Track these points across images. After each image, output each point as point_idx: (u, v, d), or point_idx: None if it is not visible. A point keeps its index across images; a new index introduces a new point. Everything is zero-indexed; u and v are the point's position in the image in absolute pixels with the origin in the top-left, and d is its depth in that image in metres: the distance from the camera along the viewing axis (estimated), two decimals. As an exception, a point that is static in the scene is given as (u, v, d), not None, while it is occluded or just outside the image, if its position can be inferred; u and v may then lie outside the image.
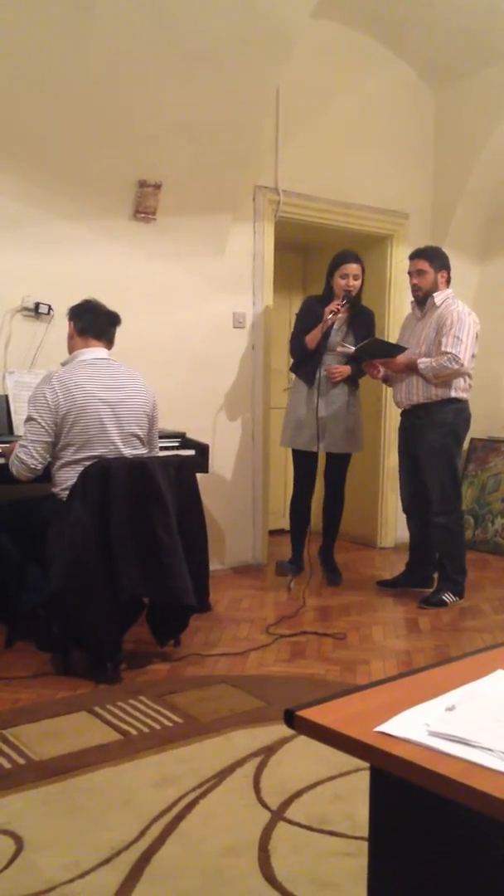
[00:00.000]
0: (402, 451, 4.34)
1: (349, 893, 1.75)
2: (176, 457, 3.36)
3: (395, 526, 5.55)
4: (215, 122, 4.11)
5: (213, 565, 4.29)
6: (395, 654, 3.42)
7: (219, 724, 2.64)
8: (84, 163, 3.97)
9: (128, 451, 3.15)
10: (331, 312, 4.25)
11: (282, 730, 2.49)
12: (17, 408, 3.64)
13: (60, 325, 3.61)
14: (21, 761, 2.35)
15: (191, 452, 3.76)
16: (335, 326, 4.37)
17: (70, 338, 3.32)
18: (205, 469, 3.86)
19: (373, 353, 4.24)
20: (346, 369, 4.36)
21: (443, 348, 3.98)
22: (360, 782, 2.14)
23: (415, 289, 4.18)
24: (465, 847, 1.00)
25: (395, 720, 1.05)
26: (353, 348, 4.23)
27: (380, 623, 3.86)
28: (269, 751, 2.44)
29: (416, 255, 4.18)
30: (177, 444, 3.91)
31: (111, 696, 2.86)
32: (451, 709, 1.09)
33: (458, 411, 4.10)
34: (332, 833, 2.00)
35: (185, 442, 3.96)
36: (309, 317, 4.41)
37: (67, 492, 3.04)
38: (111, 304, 3.36)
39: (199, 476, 3.36)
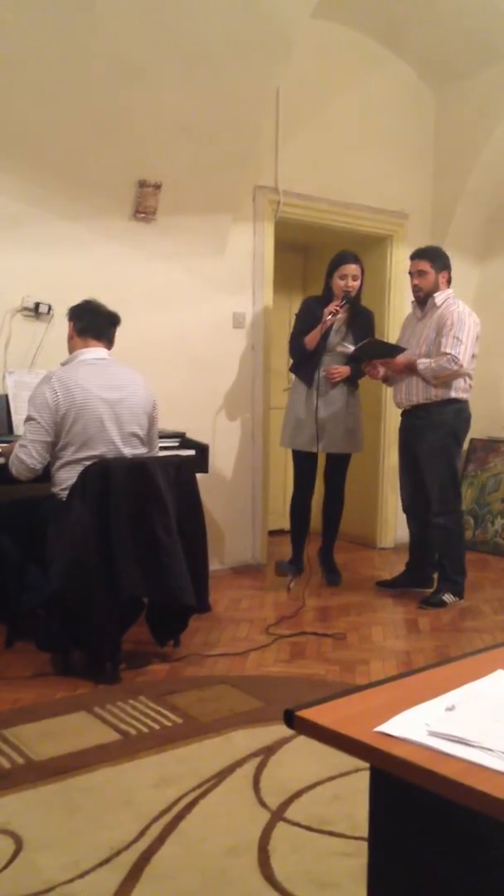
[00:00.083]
0: (401, 452, 4.34)
1: (349, 893, 1.75)
2: (176, 457, 3.36)
3: (394, 526, 5.55)
4: (215, 122, 4.11)
5: (213, 565, 4.29)
6: (395, 655, 3.42)
7: (218, 724, 2.63)
8: (84, 163, 3.97)
9: (128, 451, 3.15)
10: (330, 313, 4.25)
11: (281, 730, 2.49)
12: (17, 407, 3.64)
13: (60, 325, 3.61)
14: (20, 761, 2.35)
15: (191, 452, 3.76)
16: (334, 327, 4.37)
17: (70, 338, 3.32)
18: (204, 469, 3.86)
19: (371, 353, 4.23)
20: (345, 370, 4.36)
21: (442, 349, 3.97)
22: (360, 782, 2.14)
23: (415, 289, 4.17)
24: (464, 847, 1.00)
25: (394, 720, 1.05)
26: (352, 348, 4.23)
27: (379, 623, 3.86)
28: (268, 751, 2.44)
29: (417, 256, 4.17)
30: (176, 444, 3.91)
31: (111, 697, 2.86)
32: (450, 709, 1.09)
33: (458, 412, 4.10)
34: (331, 833, 2.00)
35: (185, 442, 3.96)
36: (308, 317, 4.41)
37: (67, 491, 3.04)
38: (111, 303, 3.36)
39: (198, 476, 3.36)
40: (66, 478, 3.07)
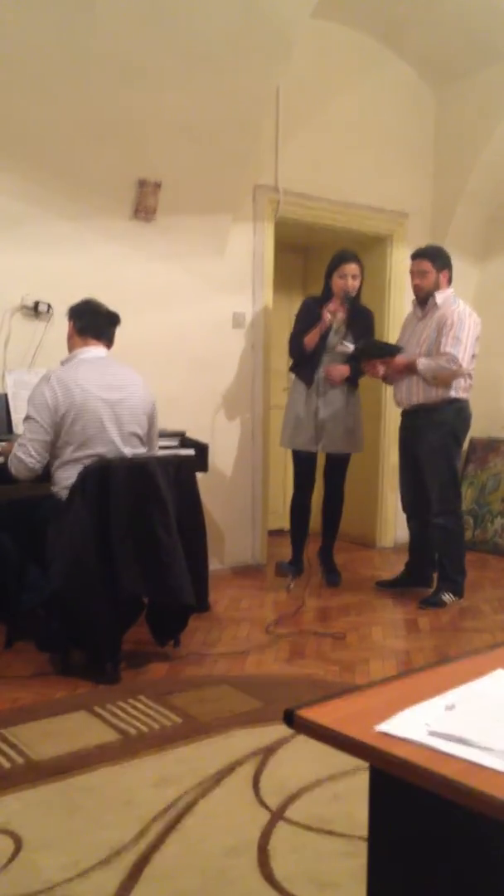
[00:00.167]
0: (402, 452, 4.33)
1: (349, 893, 1.75)
2: (175, 456, 3.36)
3: (394, 526, 5.55)
4: (215, 121, 4.11)
5: (213, 565, 4.28)
6: (395, 654, 3.42)
7: (218, 723, 2.63)
8: (84, 162, 3.97)
9: (127, 451, 3.15)
10: (329, 313, 4.25)
11: (281, 730, 2.48)
12: (16, 406, 3.64)
13: (60, 325, 3.61)
14: (20, 761, 2.35)
15: (190, 452, 3.76)
16: (334, 327, 4.37)
17: (69, 337, 3.31)
18: (204, 469, 3.86)
19: (370, 353, 4.23)
20: (344, 370, 4.35)
21: (442, 349, 3.97)
22: (360, 782, 2.14)
23: (416, 289, 4.17)
24: (464, 847, 1.00)
25: (394, 720, 1.05)
26: (351, 348, 4.23)
27: (379, 623, 3.86)
28: (268, 751, 2.44)
29: (418, 255, 4.17)
30: (176, 443, 3.91)
31: (111, 696, 2.86)
32: (450, 708, 1.09)
33: (459, 411, 4.10)
34: (331, 833, 2.00)
35: (185, 441, 3.96)
36: (307, 317, 4.41)
37: (67, 491, 3.04)
38: (111, 303, 3.36)
39: (198, 476, 3.36)
40: (66, 477, 3.07)
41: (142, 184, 4.18)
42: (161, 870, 1.83)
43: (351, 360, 4.32)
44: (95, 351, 3.23)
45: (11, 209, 3.87)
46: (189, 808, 2.11)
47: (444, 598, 4.14)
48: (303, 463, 4.56)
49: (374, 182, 5.21)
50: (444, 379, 4.00)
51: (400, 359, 4.12)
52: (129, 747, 2.45)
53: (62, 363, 3.24)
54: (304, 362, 4.42)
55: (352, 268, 4.32)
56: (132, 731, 2.57)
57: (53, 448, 3.10)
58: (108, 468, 2.96)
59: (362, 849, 1.47)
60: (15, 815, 2.05)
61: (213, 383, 4.71)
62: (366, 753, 1.01)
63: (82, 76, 3.71)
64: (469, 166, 5.30)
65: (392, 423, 5.09)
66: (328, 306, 4.27)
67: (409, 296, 4.36)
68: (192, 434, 4.05)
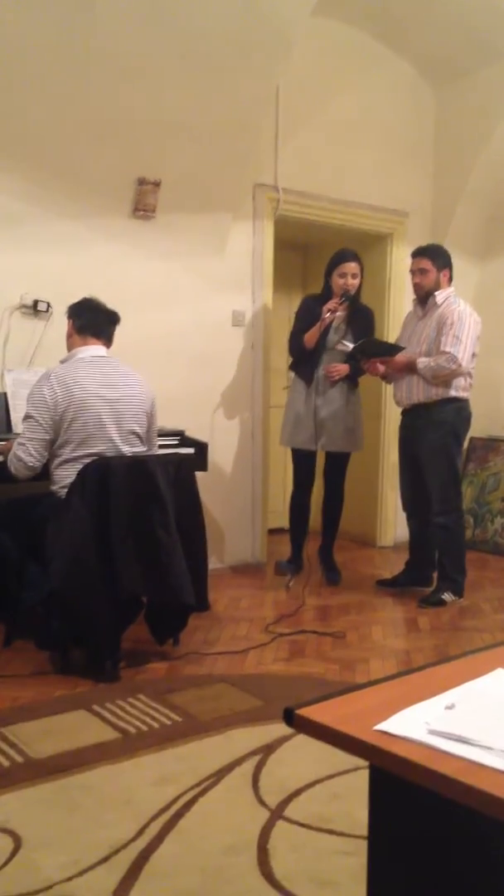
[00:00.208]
0: (402, 451, 4.33)
1: (348, 892, 1.75)
2: (175, 455, 3.36)
3: (394, 525, 5.55)
4: (215, 120, 4.11)
5: (212, 564, 4.29)
6: (395, 654, 3.42)
7: (218, 722, 2.63)
8: (83, 161, 3.97)
9: (127, 449, 3.15)
10: (328, 311, 4.25)
11: (281, 728, 2.48)
12: (15, 405, 3.64)
13: (59, 323, 3.61)
14: (19, 759, 2.35)
15: (190, 451, 3.76)
16: (333, 325, 4.37)
17: (69, 336, 3.31)
18: (204, 467, 3.86)
19: (370, 352, 4.23)
20: (344, 368, 4.35)
21: (442, 348, 3.97)
22: (360, 781, 2.14)
23: (416, 287, 4.17)
24: (464, 846, 1.00)
25: (394, 719, 1.04)
26: (351, 346, 4.23)
27: (379, 622, 3.86)
28: (268, 749, 2.44)
29: (418, 254, 4.17)
30: (176, 442, 3.91)
31: (110, 695, 2.86)
32: (450, 707, 1.08)
33: (459, 410, 4.10)
34: (331, 832, 2.00)
35: (185, 440, 3.96)
36: (307, 316, 4.41)
37: (66, 490, 3.04)
38: (110, 301, 3.36)
39: (198, 474, 3.36)
40: (65, 476, 3.07)
41: (141, 182, 4.17)
42: (160, 868, 1.83)
43: (350, 358, 4.32)
44: (95, 350, 3.23)
45: (11, 208, 3.87)
46: (188, 806, 2.11)
47: (444, 597, 4.14)
48: (302, 461, 4.56)
49: (374, 181, 5.20)
50: (443, 378, 4.00)
51: (400, 357, 4.12)
52: (128, 746, 2.45)
53: (61, 362, 3.24)
54: (304, 361, 4.42)
55: (351, 266, 4.32)
56: (132, 729, 2.57)
57: (53, 447, 3.10)
58: (107, 467, 2.96)
59: (362, 847, 1.47)
60: (14, 814, 2.05)
61: (213, 382, 4.71)
62: (366, 752, 1.01)
63: (82, 75, 3.71)
64: (469, 165, 5.30)
65: (392, 422, 5.09)
66: (328, 305, 4.27)
67: (409, 295, 4.36)
68: (191, 433, 4.05)
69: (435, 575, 4.30)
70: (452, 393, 4.04)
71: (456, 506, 4.18)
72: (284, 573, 4.58)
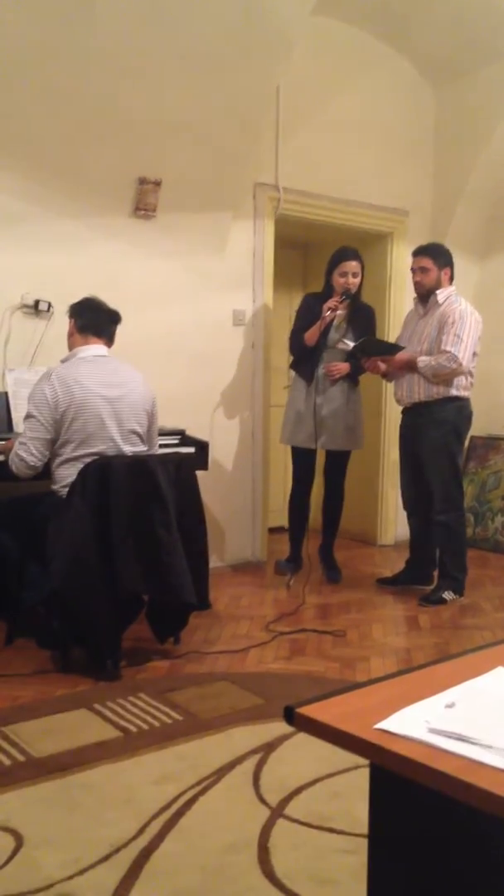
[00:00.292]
0: (402, 449, 4.33)
1: (349, 890, 1.75)
2: (175, 454, 3.36)
3: (395, 523, 5.55)
4: (215, 119, 4.11)
5: (213, 563, 4.29)
6: (395, 652, 3.42)
7: (218, 721, 2.64)
8: (84, 160, 3.97)
9: (127, 448, 3.15)
10: (328, 309, 4.25)
11: (281, 727, 2.49)
12: (16, 405, 3.64)
13: (60, 323, 3.61)
14: (21, 758, 2.35)
15: (190, 450, 3.76)
16: (334, 324, 4.37)
17: (70, 335, 3.32)
18: (204, 466, 3.86)
19: (370, 351, 4.23)
20: (345, 366, 4.35)
21: (442, 347, 3.97)
22: (360, 779, 2.14)
23: (417, 286, 4.17)
24: (464, 844, 1.00)
25: (394, 717, 1.05)
26: (352, 344, 4.23)
27: (380, 620, 3.86)
28: (268, 748, 2.44)
29: (419, 252, 4.17)
30: (176, 441, 3.91)
31: (111, 694, 2.86)
32: (450, 706, 1.09)
33: (460, 409, 4.10)
34: (331, 830, 2.00)
35: (185, 439, 3.96)
36: (308, 314, 4.40)
37: (67, 489, 3.04)
38: (111, 301, 3.36)
39: (198, 473, 3.36)
40: (66, 475, 3.07)
41: (142, 182, 4.17)
42: (161, 867, 1.83)
43: (351, 357, 4.32)
44: (96, 349, 3.23)
45: (12, 207, 3.87)
46: (189, 805, 2.11)
47: (444, 595, 4.15)
48: (301, 459, 4.56)
49: (374, 180, 5.20)
50: (444, 377, 4.00)
51: (400, 356, 4.12)
52: (129, 744, 2.45)
53: (62, 361, 3.24)
54: (305, 359, 4.42)
55: (352, 265, 4.31)
56: (132, 728, 2.58)
57: (54, 446, 3.10)
58: (108, 466, 2.96)
59: (362, 846, 1.47)
60: (15, 813, 2.05)
61: (213, 381, 4.71)
62: (366, 750, 1.01)
63: (82, 74, 3.71)
64: (469, 164, 5.30)
65: (393, 421, 5.09)
66: (328, 303, 4.26)
67: (410, 294, 4.36)
68: (192, 432, 4.05)
69: (435, 573, 4.30)
70: (453, 392, 4.04)
71: (457, 504, 4.18)
72: (284, 573, 4.58)
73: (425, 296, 4.15)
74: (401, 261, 5.22)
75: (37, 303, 3.94)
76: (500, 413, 5.61)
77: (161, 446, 3.56)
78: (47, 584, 3.02)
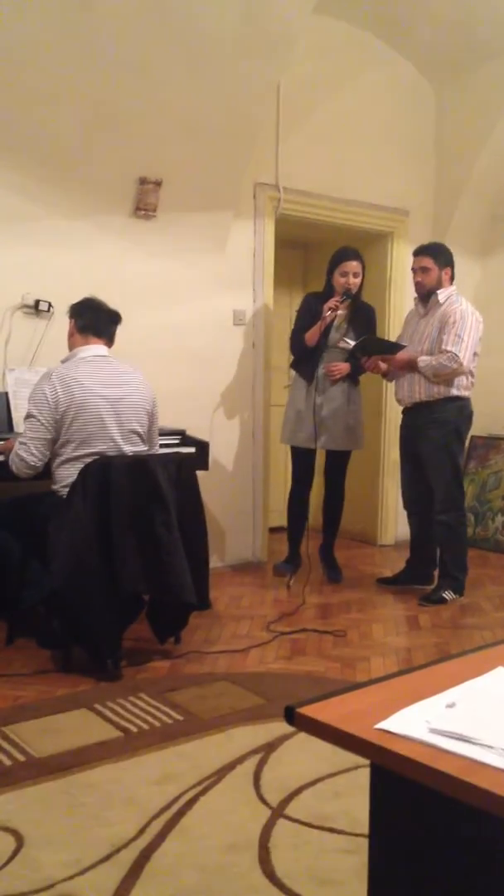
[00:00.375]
0: (403, 449, 4.33)
1: (349, 890, 1.75)
2: (176, 454, 3.36)
3: (395, 523, 5.55)
4: (216, 118, 4.11)
5: (213, 563, 4.29)
6: (396, 652, 3.42)
7: (219, 721, 2.64)
8: (84, 160, 3.97)
9: (128, 448, 3.15)
10: (329, 309, 4.25)
11: (282, 727, 2.49)
12: (17, 405, 3.64)
13: (60, 323, 3.61)
14: (21, 758, 2.35)
15: (191, 450, 3.76)
16: (335, 323, 4.37)
17: (70, 335, 3.32)
18: (205, 466, 3.86)
19: (371, 350, 4.23)
20: (345, 366, 4.35)
21: (443, 346, 3.97)
22: (361, 779, 2.14)
23: (418, 286, 4.17)
24: (465, 844, 1.00)
25: (395, 717, 1.05)
26: (353, 344, 4.23)
27: (380, 620, 3.86)
28: (269, 748, 2.44)
29: (420, 252, 4.17)
30: (177, 441, 3.91)
31: (111, 694, 2.86)
32: (451, 706, 1.09)
33: (461, 409, 4.10)
34: (332, 830, 2.00)
35: (185, 439, 3.95)
36: (308, 314, 4.40)
37: (68, 489, 3.04)
38: (111, 300, 3.36)
39: (199, 473, 3.36)
40: (67, 475, 3.08)
41: (142, 181, 4.17)
42: (162, 867, 1.83)
43: (351, 356, 4.32)
44: (96, 349, 3.23)
45: (12, 207, 3.86)
46: (190, 805, 2.11)
47: (444, 595, 4.15)
48: (301, 459, 4.55)
49: (374, 179, 5.20)
50: (444, 377, 4.00)
51: (401, 356, 4.12)
52: (130, 744, 2.45)
53: (63, 361, 3.24)
54: (305, 359, 4.42)
55: (353, 265, 4.31)
56: (133, 728, 2.58)
57: (54, 446, 3.10)
58: (108, 466, 2.96)
59: (363, 846, 1.48)
60: (16, 813, 2.05)
61: (214, 381, 4.71)
62: (366, 750, 1.01)
63: (83, 74, 3.71)
64: (470, 163, 5.29)
65: (393, 421, 5.09)
66: (329, 303, 4.26)
67: (410, 293, 4.36)
68: (192, 432, 4.05)
69: (436, 573, 4.30)
70: (454, 391, 4.04)
71: (458, 504, 4.18)
72: (283, 574, 4.58)
73: (426, 296, 4.15)
74: (401, 261, 5.22)
75: (37, 303, 3.94)
76: (500, 413, 5.61)
77: (161, 446, 3.56)
78: (48, 583, 3.03)
